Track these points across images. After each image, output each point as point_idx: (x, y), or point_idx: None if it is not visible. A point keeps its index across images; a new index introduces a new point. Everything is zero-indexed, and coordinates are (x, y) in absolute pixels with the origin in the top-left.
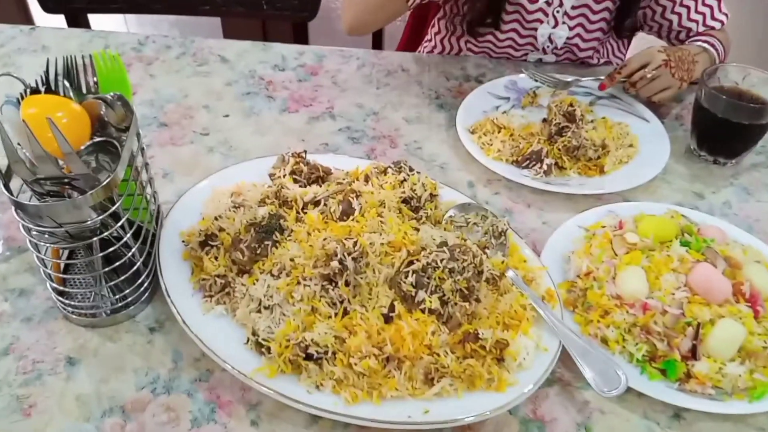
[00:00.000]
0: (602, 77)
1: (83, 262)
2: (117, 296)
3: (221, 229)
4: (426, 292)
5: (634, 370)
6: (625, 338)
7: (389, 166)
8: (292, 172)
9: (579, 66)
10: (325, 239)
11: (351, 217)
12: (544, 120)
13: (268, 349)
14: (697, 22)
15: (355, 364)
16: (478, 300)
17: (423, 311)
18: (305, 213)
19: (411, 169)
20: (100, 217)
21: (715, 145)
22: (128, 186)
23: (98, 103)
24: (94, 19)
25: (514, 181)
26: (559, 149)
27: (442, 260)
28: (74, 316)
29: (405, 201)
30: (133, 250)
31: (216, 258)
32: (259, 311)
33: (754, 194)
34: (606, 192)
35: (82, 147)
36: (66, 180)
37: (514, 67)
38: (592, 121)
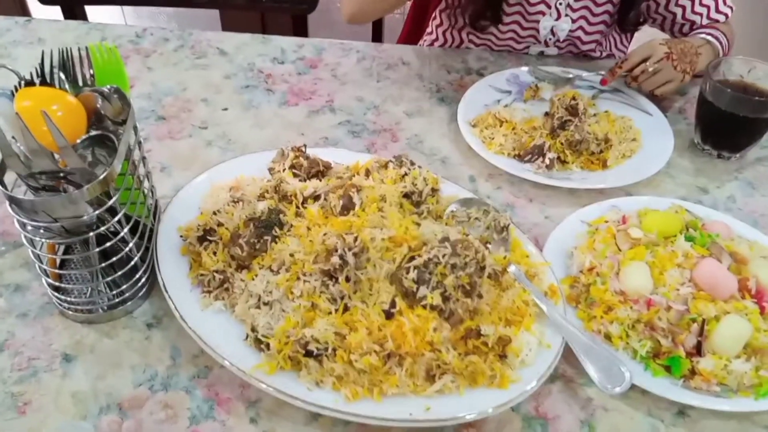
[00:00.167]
0: (603, 72)
1: (79, 258)
2: (114, 292)
3: (220, 224)
4: (427, 287)
5: (638, 366)
6: (629, 334)
7: (390, 161)
8: (292, 167)
9: (581, 59)
10: (325, 234)
11: (351, 212)
12: (547, 114)
13: (268, 345)
14: (701, 14)
15: (356, 361)
16: (480, 296)
17: (424, 307)
18: (305, 208)
19: (412, 164)
20: (97, 212)
21: (720, 138)
22: (125, 180)
23: (94, 96)
24: (91, 11)
25: (516, 175)
26: (562, 143)
27: (443, 256)
28: (70, 312)
29: (406, 196)
30: (131, 245)
31: (215, 253)
32: (258, 307)
33: (759, 189)
34: (609, 186)
35: (78, 140)
36: (61, 174)
37: (515, 60)
38: (594, 115)
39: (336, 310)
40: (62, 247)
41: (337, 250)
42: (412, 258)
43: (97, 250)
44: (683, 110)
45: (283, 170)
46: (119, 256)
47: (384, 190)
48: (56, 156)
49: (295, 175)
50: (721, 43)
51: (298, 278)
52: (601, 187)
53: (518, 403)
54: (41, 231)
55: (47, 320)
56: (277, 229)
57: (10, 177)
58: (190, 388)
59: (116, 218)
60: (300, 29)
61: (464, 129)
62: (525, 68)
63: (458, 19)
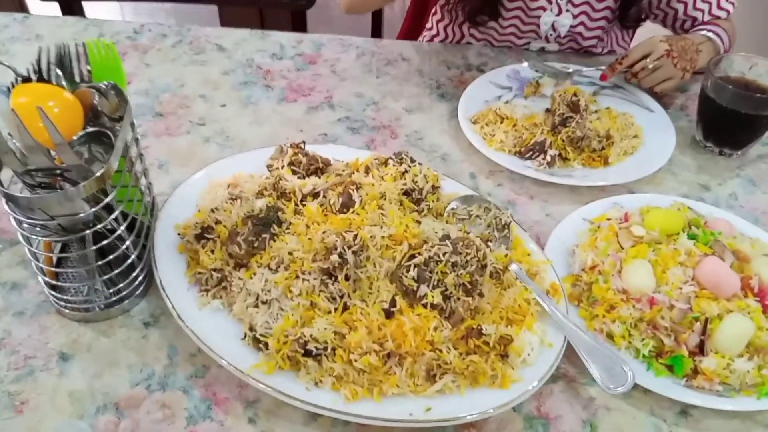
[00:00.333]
0: (603, 67)
1: (76, 256)
2: (111, 290)
3: (218, 222)
4: (428, 286)
5: (641, 365)
6: (632, 333)
7: (390, 157)
8: (291, 163)
9: (582, 55)
10: (324, 232)
11: (351, 210)
12: (548, 110)
13: (266, 344)
14: (702, 11)
15: (355, 361)
16: (481, 294)
17: (425, 306)
18: (304, 205)
19: (412, 161)
20: (93, 210)
21: (721, 135)
22: (122, 177)
23: (91, 92)
24: (89, 7)
25: (516, 172)
26: (563, 140)
27: (444, 254)
28: (67, 311)
29: (406, 193)
30: (128, 243)
31: (212, 251)
32: (256, 306)
33: (761, 186)
34: (611, 184)
35: (75, 137)
36: (58, 171)
37: (516, 56)
38: (596, 111)
39: (335, 309)
40: (59, 245)
41: (336, 248)
42: (413, 256)
43: (94, 247)
44: (685, 107)
45: (282, 167)
46: (116, 254)
47: (384, 188)
48: (53, 153)
49: (294, 172)
50: (722, 39)
51: (297, 277)
52: (602, 185)
53: (520, 403)
54: (38, 229)
55: (44, 319)
56: (276, 227)
57: (6, 174)
58: (188, 388)
59: (113, 216)
60: (299, 25)
61: (465, 125)
62: (525, 64)
63: (458, 14)
